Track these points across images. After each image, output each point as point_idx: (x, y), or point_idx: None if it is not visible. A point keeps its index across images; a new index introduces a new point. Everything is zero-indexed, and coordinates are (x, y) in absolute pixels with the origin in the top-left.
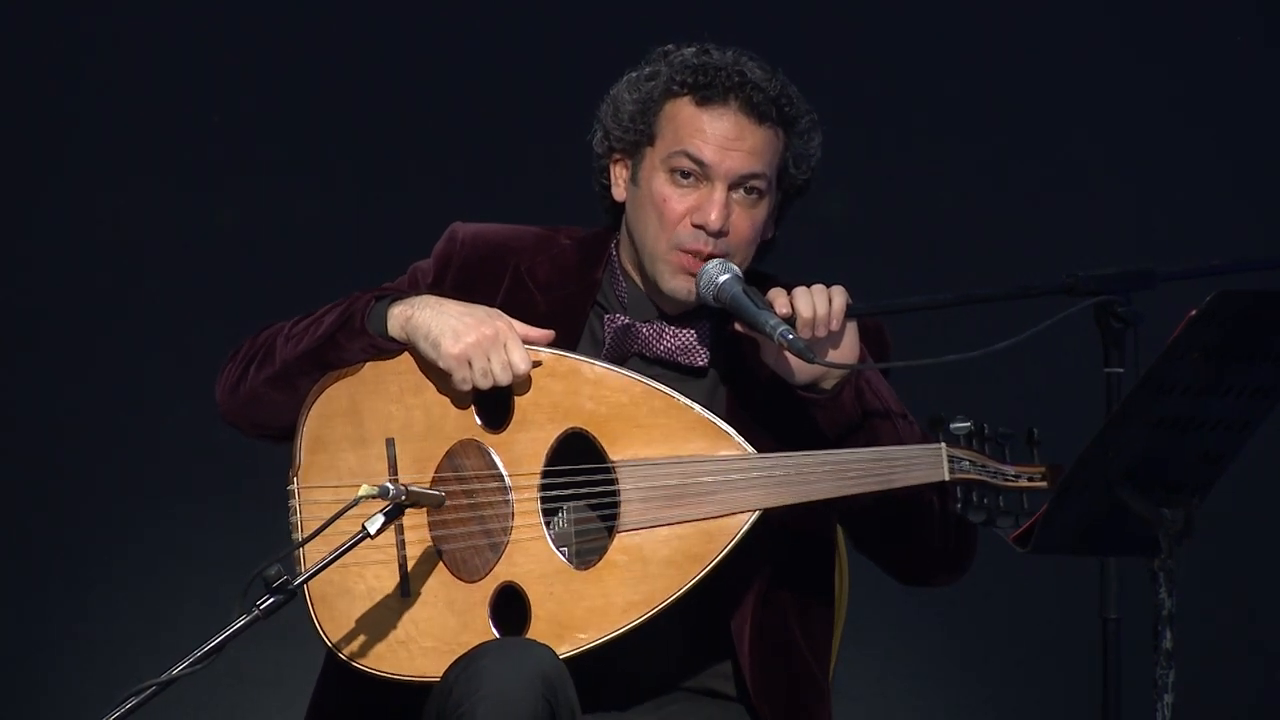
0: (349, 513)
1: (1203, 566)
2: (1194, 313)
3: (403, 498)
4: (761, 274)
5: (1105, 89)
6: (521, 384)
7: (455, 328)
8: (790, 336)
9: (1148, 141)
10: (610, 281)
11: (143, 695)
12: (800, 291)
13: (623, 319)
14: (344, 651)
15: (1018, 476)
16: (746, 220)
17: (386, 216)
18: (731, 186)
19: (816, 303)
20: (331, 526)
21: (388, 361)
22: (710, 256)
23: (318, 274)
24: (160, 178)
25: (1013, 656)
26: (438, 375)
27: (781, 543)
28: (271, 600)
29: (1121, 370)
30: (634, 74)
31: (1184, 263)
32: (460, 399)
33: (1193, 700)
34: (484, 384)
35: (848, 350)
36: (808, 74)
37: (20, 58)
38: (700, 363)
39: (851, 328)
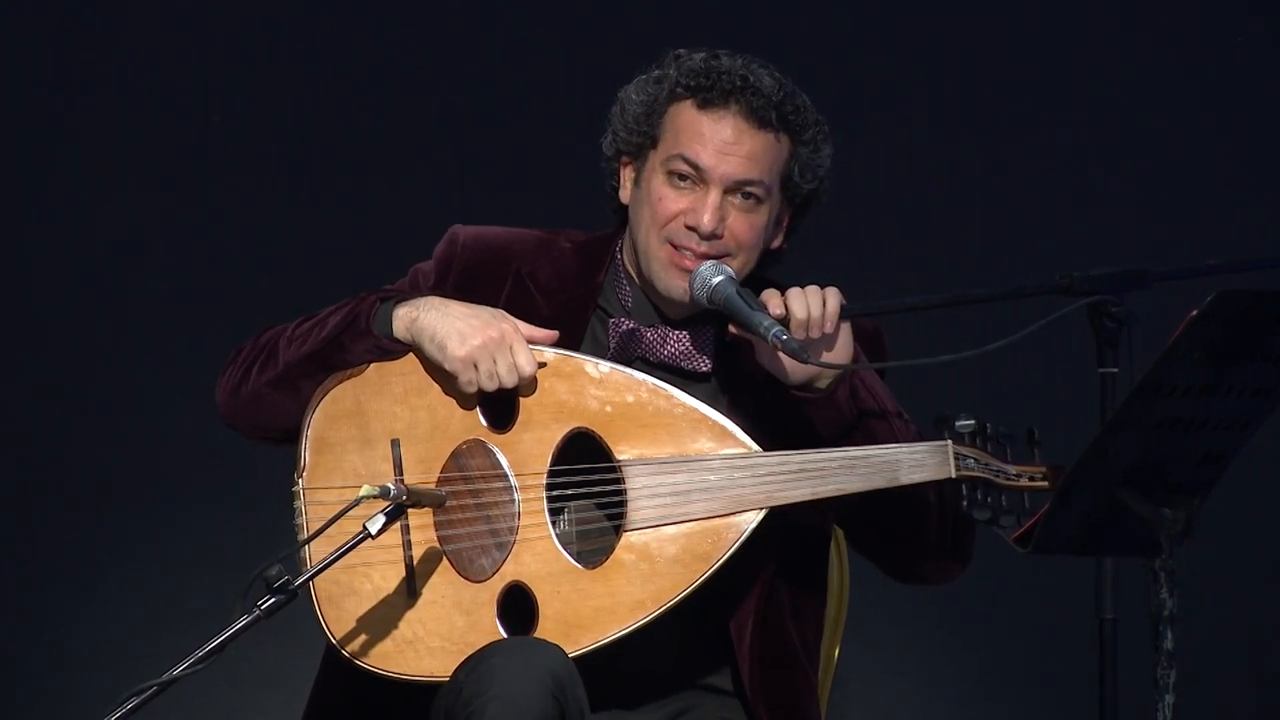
0: (352, 513)
1: (1202, 566)
2: (1195, 313)
3: (404, 497)
4: (760, 277)
5: (1100, 88)
6: (527, 385)
7: (461, 330)
8: (784, 337)
9: (1143, 141)
10: (613, 285)
11: (144, 695)
12: (794, 293)
13: (628, 323)
14: (351, 651)
15: (1019, 476)
16: (744, 224)
17: (387, 218)
18: (727, 191)
19: (811, 304)
20: (335, 528)
21: (393, 362)
22: (704, 257)
23: (319, 276)
24: (161, 179)
25: (1011, 656)
26: (443, 376)
27: (780, 541)
28: (273, 600)
29: (1116, 370)
30: (643, 77)
31: (1178, 263)
32: (465, 400)
33: (1191, 701)
34: (490, 386)
35: (842, 350)
36: (803, 71)
37: (19, 59)
38: (704, 368)
39: (845, 328)
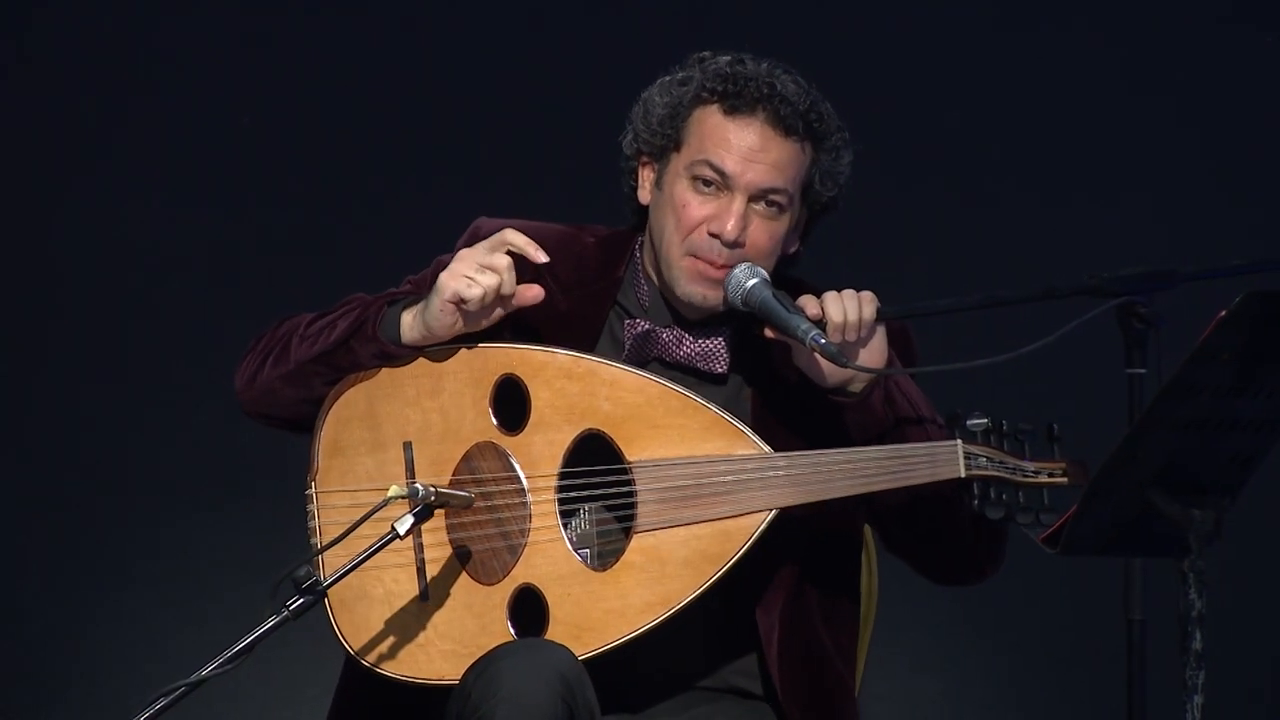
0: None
1: (1231, 567)
2: (1223, 314)
3: (431, 499)
4: (789, 278)
5: (1127, 90)
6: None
7: (449, 265)
8: (822, 340)
9: (1169, 142)
10: (632, 282)
11: (172, 696)
12: (830, 296)
13: (644, 324)
14: (363, 655)
15: (1037, 472)
16: (764, 232)
17: (416, 221)
18: (751, 199)
19: (847, 308)
20: (352, 531)
21: (404, 366)
22: (725, 266)
23: (348, 277)
24: (190, 180)
25: (1039, 657)
26: (454, 378)
27: (808, 542)
28: (301, 601)
29: (1144, 371)
30: (667, 78)
31: (1206, 263)
32: (477, 401)
33: (1220, 701)
34: (492, 279)
35: (876, 353)
36: (829, 77)
37: (46, 62)
38: (720, 369)
39: (880, 331)
